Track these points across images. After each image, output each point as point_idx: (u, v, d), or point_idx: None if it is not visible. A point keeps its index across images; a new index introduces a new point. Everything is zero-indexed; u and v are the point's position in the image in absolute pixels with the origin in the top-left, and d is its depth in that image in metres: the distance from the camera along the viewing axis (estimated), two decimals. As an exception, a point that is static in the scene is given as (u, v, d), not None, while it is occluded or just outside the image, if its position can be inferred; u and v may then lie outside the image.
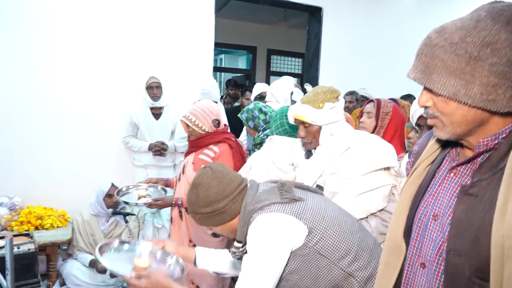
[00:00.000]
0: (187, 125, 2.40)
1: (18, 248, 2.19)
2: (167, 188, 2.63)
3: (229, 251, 1.46)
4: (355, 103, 4.14)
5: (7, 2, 3.41)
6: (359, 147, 1.75)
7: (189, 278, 2.45)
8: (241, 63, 8.35)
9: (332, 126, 1.79)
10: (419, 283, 0.95)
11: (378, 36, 4.86)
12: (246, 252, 1.33)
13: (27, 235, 2.44)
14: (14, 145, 3.55)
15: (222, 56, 8.40)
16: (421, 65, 0.86)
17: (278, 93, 3.07)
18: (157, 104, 3.72)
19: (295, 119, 1.84)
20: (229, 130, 2.64)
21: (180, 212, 2.44)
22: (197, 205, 1.37)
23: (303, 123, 1.80)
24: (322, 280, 1.33)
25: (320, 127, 1.79)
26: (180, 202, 2.36)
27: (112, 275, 3.17)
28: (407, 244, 1.00)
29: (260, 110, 3.02)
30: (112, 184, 3.30)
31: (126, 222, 3.23)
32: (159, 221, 3.80)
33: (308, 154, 1.91)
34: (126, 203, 2.46)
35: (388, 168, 1.72)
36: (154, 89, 3.69)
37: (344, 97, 4.25)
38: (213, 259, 1.62)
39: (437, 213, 0.93)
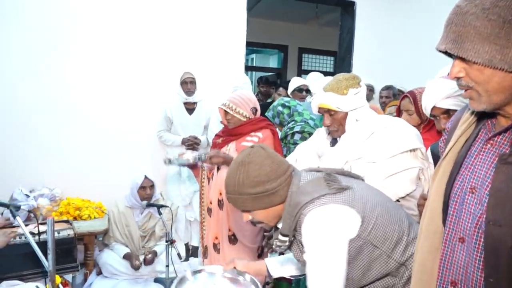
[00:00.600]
0: (225, 112, 2.41)
1: (58, 233, 2.28)
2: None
3: (269, 243, 1.40)
4: (392, 98, 4.06)
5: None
6: (383, 130, 1.73)
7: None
8: (272, 62, 8.36)
9: (357, 111, 1.78)
10: (458, 258, 0.93)
11: (413, 29, 4.74)
12: (295, 248, 1.29)
13: (66, 221, 2.54)
14: (54, 140, 3.72)
15: (254, 55, 8.43)
16: (452, 35, 0.84)
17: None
18: (190, 99, 3.78)
19: (319, 108, 1.83)
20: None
21: (219, 201, 2.46)
22: (246, 185, 1.25)
23: (328, 111, 1.79)
24: (372, 271, 1.27)
25: (346, 114, 1.78)
26: None
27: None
28: (444, 220, 0.97)
29: (283, 105, 3.02)
30: (146, 177, 3.38)
31: (160, 214, 3.30)
32: (192, 215, 3.87)
33: (334, 142, 1.90)
34: (170, 162, 2.35)
35: (414, 151, 1.69)
36: (188, 84, 3.76)
37: (380, 92, 4.23)
38: (285, 265, 1.54)
39: (474, 185, 0.90)
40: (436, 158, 1.52)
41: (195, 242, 3.90)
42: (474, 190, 0.90)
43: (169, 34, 3.96)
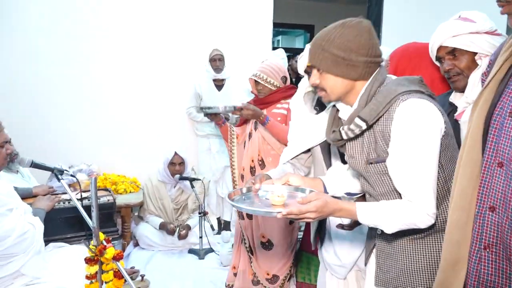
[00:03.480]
0: (256, 83, 2.43)
1: (99, 199, 2.37)
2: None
3: (337, 130, 1.28)
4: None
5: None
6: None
7: (260, 232, 2.51)
8: (298, 43, 8.29)
9: None
10: (497, 183, 0.94)
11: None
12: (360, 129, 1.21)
13: (105, 189, 2.64)
14: (90, 119, 3.89)
15: (279, 37, 8.39)
16: None
17: None
18: (219, 76, 3.83)
19: (308, 66, 1.67)
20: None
21: (251, 168, 2.49)
22: (334, 43, 1.20)
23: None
24: None
25: None
26: (267, 121, 2.31)
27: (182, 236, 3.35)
28: (483, 148, 0.97)
29: None
30: (175, 153, 3.46)
31: (192, 187, 3.38)
32: (223, 191, 3.92)
33: (320, 106, 1.71)
34: (209, 108, 2.39)
35: None
36: (217, 61, 3.80)
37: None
38: (341, 182, 1.47)
39: None
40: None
41: (227, 217, 3.97)
42: None
43: (197, 13, 4.01)
